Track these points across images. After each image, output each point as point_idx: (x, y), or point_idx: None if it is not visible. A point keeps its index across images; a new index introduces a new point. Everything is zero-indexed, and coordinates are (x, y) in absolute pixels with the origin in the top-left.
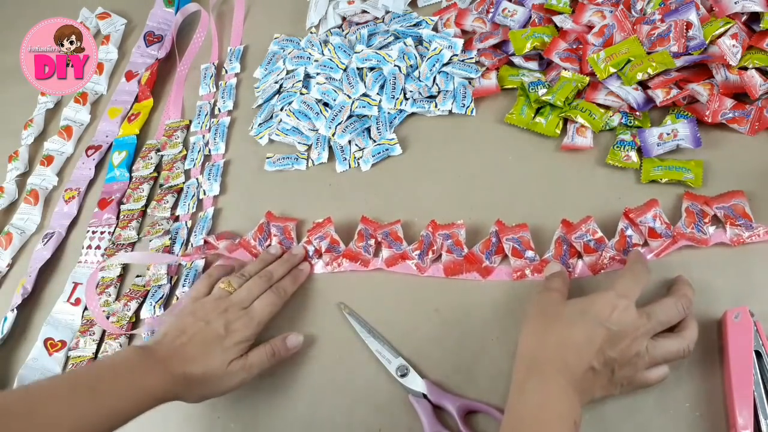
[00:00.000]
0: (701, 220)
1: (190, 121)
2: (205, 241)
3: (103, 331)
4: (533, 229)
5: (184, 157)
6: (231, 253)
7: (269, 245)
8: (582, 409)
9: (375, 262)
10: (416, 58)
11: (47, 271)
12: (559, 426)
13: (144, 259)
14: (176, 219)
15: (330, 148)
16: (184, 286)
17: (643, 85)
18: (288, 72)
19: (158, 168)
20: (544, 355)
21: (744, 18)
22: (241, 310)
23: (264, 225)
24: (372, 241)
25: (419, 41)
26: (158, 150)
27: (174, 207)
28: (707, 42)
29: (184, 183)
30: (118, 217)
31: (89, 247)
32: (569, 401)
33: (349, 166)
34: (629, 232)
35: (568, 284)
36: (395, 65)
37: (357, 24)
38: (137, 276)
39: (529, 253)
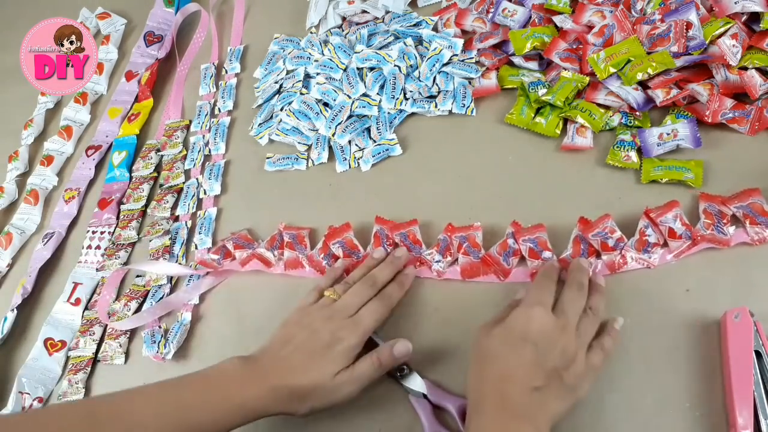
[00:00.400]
0: (720, 220)
1: (190, 121)
2: (224, 245)
3: (103, 331)
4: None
5: (184, 157)
6: (244, 266)
7: (282, 253)
8: (546, 430)
9: None
10: (416, 58)
11: (47, 271)
12: None
13: (162, 269)
14: (176, 219)
15: (330, 148)
16: (187, 286)
17: (643, 85)
18: (288, 72)
19: (158, 168)
20: (482, 395)
21: (744, 18)
22: (347, 318)
23: (276, 236)
24: (389, 244)
25: (419, 41)
26: (158, 150)
27: (174, 207)
28: (707, 42)
29: (184, 183)
30: (118, 217)
31: (89, 247)
32: None
33: (349, 166)
34: (649, 231)
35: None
36: (395, 65)
37: (357, 24)
38: (137, 276)
39: (546, 254)
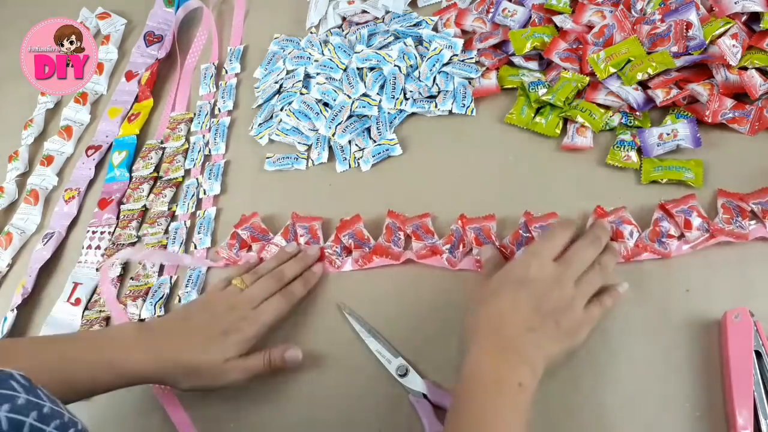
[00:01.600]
0: (738, 215)
1: (195, 114)
2: (237, 234)
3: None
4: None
5: (186, 151)
6: (260, 253)
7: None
8: (540, 370)
9: (405, 255)
10: (416, 58)
11: (47, 271)
12: (495, 390)
13: (172, 260)
14: (173, 216)
15: (330, 148)
16: (186, 287)
17: (643, 85)
18: (288, 72)
19: (158, 168)
20: (476, 330)
21: (744, 18)
22: (249, 309)
23: (289, 227)
24: (401, 234)
25: (419, 41)
26: (161, 142)
27: (172, 201)
28: (707, 42)
29: (183, 177)
30: (118, 217)
31: (89, 247)
32: (508, 364)
33: (349, 166)
34: (664, 222)
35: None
36: (395, 65)
37: (357, 24)
38: (131, 278)
39: None
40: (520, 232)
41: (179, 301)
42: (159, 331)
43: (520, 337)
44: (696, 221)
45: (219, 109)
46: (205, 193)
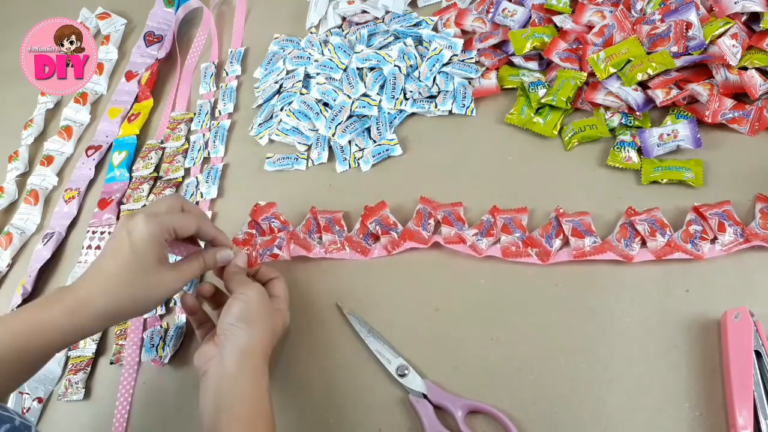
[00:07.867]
0: None
1: (195, 113)
2: (257, 223)
3: (103, 332)
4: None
5: (186, 151)
6: (291, 256)
7: (320, 237)
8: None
9: (433, 239)
10: (416, 58)
11: (47, 271)
12: None
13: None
14: None
15: (330, 148)
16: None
17: (643, 85)
18: (288, 72)
19: (158, 168)
20: None
21: (744, 18)
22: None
23: (311, 220)
24: (431, 221)
25: (419, 41)
26: (161, 142)
27: None
28: (707, 42)
29: (183, 177)
30: (118, 217)
31: (89, 247)
32: None
33: (349, 166)
34: (696, 224)
35: None
36: (395, 65)
37: (357, 24)
38: None
39: (591, 236)
40: (551, 224)
41: (174, 303)
42: (77, 283)
43: None
44: (730, 226)
45: (219, 111)
46: (202, 197)
